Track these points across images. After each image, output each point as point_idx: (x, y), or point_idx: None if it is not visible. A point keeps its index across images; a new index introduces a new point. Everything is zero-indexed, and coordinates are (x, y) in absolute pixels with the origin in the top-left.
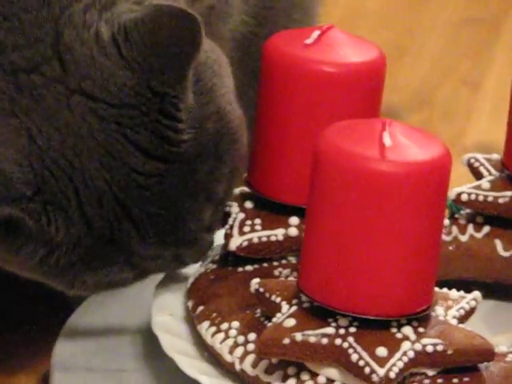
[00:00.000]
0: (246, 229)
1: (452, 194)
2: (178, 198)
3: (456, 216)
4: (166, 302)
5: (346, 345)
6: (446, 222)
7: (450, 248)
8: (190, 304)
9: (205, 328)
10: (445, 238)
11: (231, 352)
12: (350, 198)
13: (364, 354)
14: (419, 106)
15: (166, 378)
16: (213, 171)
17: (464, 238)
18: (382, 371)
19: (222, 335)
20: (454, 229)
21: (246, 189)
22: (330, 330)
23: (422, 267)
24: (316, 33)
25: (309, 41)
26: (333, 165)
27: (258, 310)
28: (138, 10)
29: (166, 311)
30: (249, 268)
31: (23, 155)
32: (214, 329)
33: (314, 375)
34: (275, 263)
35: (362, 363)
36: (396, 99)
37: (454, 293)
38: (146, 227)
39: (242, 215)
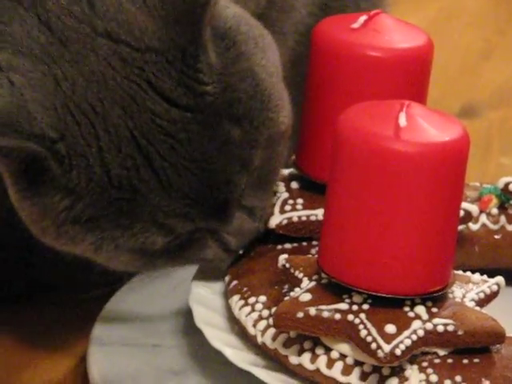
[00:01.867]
0: (287, 207)
1: (500, 183)
2: (206, 153)
3: (505, 205)
4: (206, 277)
5: (357, 321)
6: (495, 210)
7: (497, 237)
8: (226, 278)
9: (235, 301)
10: (492, 226)
11: (255, 325)
12: (366, 177)
13: (373, 330)
14: (499, 104)
15: (200, 354)
16: (245, 136)
17: (511, 228)
18: (387, 347)
19: (248, 308)
20: (502, 218)
21: (294, 170)
22: (344, 306)
23: (438, 247)
24: (363, 18)
25: (355, 25)
26: (350, 143)
27: (286, 286)
28: None
29: (205, 286)
30: (287, 246)
31: (49, 99)
32: (242, 302)
33: (328, 350)
34: (314, 243)
35: (369, 339)
36: (477, 96)
37: (476, 276)
38: (168, 178)
39: (285, 194)
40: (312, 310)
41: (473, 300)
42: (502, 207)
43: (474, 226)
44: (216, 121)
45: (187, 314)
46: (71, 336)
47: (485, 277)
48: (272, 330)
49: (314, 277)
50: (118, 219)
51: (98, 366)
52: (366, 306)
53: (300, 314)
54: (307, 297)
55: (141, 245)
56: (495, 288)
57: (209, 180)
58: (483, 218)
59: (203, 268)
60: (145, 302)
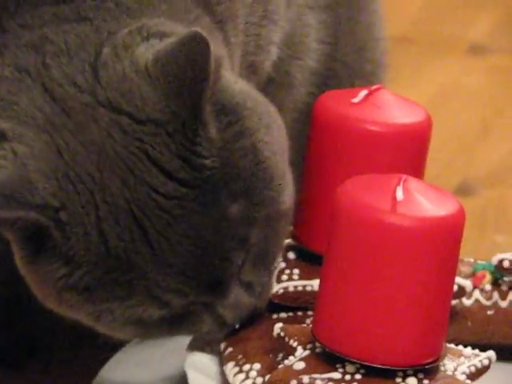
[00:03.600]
0: (284, 277)
1: (494, 259)
2: (201, 229)
3: (499, 282)
4: (201, 344)
5: None
6: (488, 287)
7: (489, 313)
8: (222, 345)
9: (229, 368)
10: (485, 302)
11: None
12: (361, 249)
13: None
14: (495, 183)
15: None
16: (243, 213)
17: (504, 304)
18: None
19: (242, 375)
20: (495, 294)
21: (291, 241)
22: (337, 376)
23: (431, 320)
24: (363, 92)
25: (356, 100)
26: (347, 214)
27: (280, 354)
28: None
29: (200, 353)
30: (283, 315)
31: (51, 169)
32: (236, 369)
33: None
34: (309, 313)
35: None
36: (473, 175)
37: (468, 350)
38: (164, 253)
39: (282, 264)
40: (305, 379)
41: (464, 373)
42: (495, 283)
43: (467, 302)
44: (213, 196)
45: (182, 380)
46: None
47: (476, 351)
48: None
49: (309, 346)
50: (115, 290)
51: None
52: (358, 376)
53: (293, 382)
54: (301, 365)
55: (138, 317)
56: (486, 362)
57: (204, 256)
58: (476, 294)
59: (195, 340)
60: (139, 367)
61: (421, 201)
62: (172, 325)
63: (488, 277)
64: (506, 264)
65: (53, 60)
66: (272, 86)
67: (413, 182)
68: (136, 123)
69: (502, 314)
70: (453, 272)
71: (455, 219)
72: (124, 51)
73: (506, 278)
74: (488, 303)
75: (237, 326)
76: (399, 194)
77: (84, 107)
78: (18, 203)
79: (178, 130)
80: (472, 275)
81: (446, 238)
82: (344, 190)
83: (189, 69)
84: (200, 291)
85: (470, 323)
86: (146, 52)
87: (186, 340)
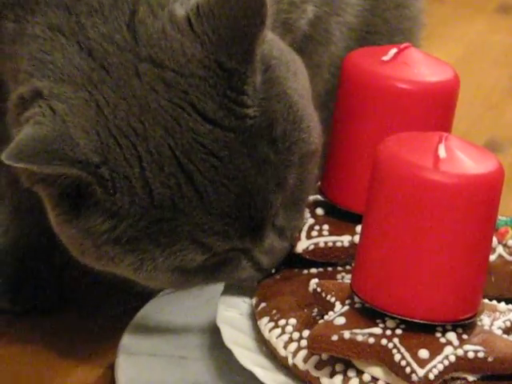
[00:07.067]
0: (314, 233)
1: None
2: (245, 172)
3: None
4: (233, 298)
5: (390, 345)
6: (511, 242)
7: None
8: (254, 301)
9: (264, 323)
10: (508, 257)
11: (286, 347)
12: (403, 206)
13: (407, 355)
14: None
15: (225, 369)
16: (280, 156)
17: None
18: (421, 372)
19: (278, 330)
20: None
21: (319, 197)
22: (377, 331)
23: (470, 277)
24: (393, 51)
25: (386, 58)
26: (389, 172)
27: (316, 310)
28: None
29: (232, 307)
30: (313, 271)
31: (91, 125)
32: (272, 324)
33: (359, 373)
34: (339, 268)
35: (403, 363)
36: (500, 133)
37: (502, 305)
38: (209, 196)
39: (311, 220)
40: (346, 334)
41: (500, 328)
42: None
43: (491, 257)
44: (255, 142)
45: (214, 330)
46: (100, 345)
47: (510, 306)
48: (303, 352)
49: (347, 301)
50: (159, 239)
51: (126, 374)
52: (399, 331)
53: (335, 337)
54: (341, 320)
55: (179, 263)
56: None
57: (247, 199)
58: (500, 249)
59: (229, 288)
60: (173, 315)
61: (462, 158)
62: (212, 271)
63: (511, 232)
64: None
65: (87, 20)
66: (309, 43)
67: (453, 140)
68: (180, 77)
69: None
70: (492, 228)
71: (496, 176)
72: (160, 9)
73: None
74: (511, 258)
75: (273, 271)
76: (442, 152)
77: (125, 63)
78: (59, 159)
79: (223, 82)
80: (495, 231)
81: (487, 195)
82: (385, 147)
83: (242, 14)
84: (242, 234)
85: (493, 278)
86: (183, 7)
87: (219, 291)
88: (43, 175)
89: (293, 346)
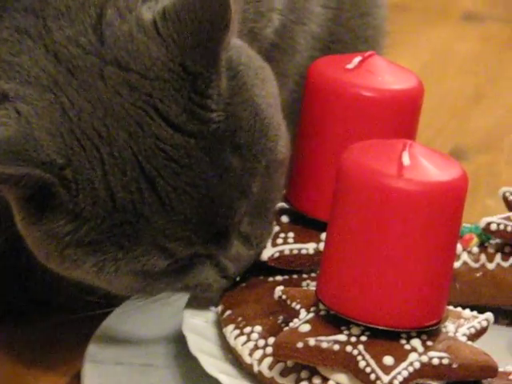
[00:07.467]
0: (279, 241)
1: (482, 223)
2: (207, 179)
3: (485, 244)
4: (198, 306)
5: (355, 352)
6: (475, 249)
7: (477, 275)
8: (219, 308)
9: (229, 331)
10: (473, 264)
11: (251, 354)
12: (367, 213)
13: (371, 362)
14: (487, 149)
15: (191, 376)
16: (245, 163)
17: (491, 266)
18: (386, 378)
19: (244, 338)
20: (483, 257)
21: (284, 204)
22: (342, 338)
23: (434, 284)
24: (357, 59)
25: (350, 66)
26: (353, 179)
27: (281, 317)
28: None
29: (197, 315)
30: (279, 278)
31: (55, 126)
32: (237, 332)
33: (325, 380)
34: (304, 275)
35: (368, 370)
36: (465, 140)
37: (467, 312)
38: (171, 202)
39: (276, 228)
40: (311, 341)
41: (464, 335)
42: (482, 246)
43: (455, 264)
44: (218, 148)
45: (180, 338)
46: (66, 354)
47: (475, 313)
48: (269, 359)
49: (312, 308)
50: (121, 242)
51: (92, 383)
52: (363, 338)
53: (300, 344)
54: (306, 328)
55: (142, 267)
56: (485, 324)
57: (210, 206)
58: (464, 256)
59: (195, 297)
60: (139, 323)
61: (426, 166)
62: (175, 276)
63: (475, 239)
64: (493, 227)
65: (54, 23)
66: (275, 51)
67: (418, 147)
68: (144, 79)
69: (489, 276)
70: (456, 235)
71: (460, 184)
72: (128, 12)
73: (492, 241)
74: (476, 265)
75: (238, 279)
76: (406, 159)
77: (90, 66)
78: (23, 160)
79: (188, 85)
80: (460, 238)
81: (451, 202)
82: (349, 155)
83: (206, 18)
84: (205, 241)
85: (458, 285)
86: (150, 10)
87: (183, 302)
88: (6, 175)
89: (258, 354)
